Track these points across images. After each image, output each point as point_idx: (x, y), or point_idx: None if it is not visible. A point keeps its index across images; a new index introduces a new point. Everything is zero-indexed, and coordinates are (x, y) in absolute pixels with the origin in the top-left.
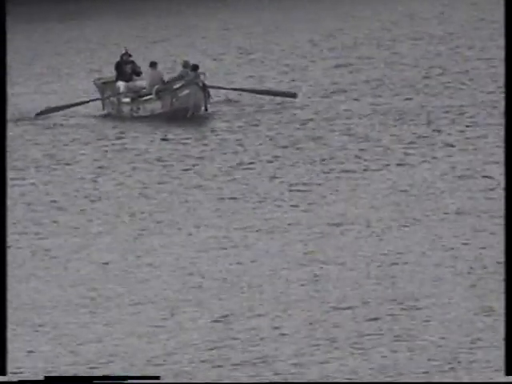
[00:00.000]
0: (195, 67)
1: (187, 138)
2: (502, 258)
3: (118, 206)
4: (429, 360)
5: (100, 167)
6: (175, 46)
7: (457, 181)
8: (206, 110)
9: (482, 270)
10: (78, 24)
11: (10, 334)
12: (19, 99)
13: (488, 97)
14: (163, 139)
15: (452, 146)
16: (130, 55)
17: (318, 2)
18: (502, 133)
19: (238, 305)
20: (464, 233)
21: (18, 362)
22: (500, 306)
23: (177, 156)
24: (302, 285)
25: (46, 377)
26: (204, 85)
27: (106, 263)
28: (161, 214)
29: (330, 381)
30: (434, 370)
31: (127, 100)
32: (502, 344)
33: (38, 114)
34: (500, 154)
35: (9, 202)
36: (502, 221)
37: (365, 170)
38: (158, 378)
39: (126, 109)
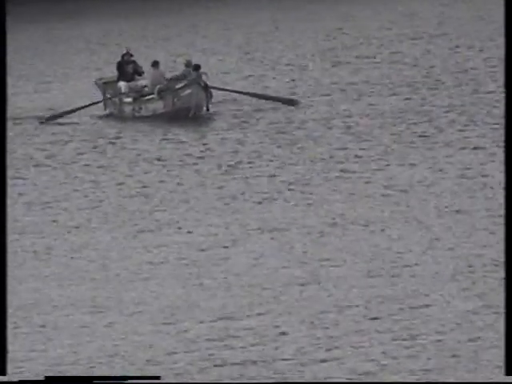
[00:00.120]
0: (197, 67)
1: (187, 138)
2: (501, 257)
3: (117, 205)
4: (429, 359)
5: (100, 167)
6: (176, 45)
7: (457, 180)
8: (208, 109)
9: (482, 269)
10: (77, 24)
11: (10, 334)
12: (19, 99)
13: (488, 97)
14: (163, 139)
15: (452, 145)
16: (131, 55)
17: (318, 1)
18: (501, 132)
19: (238, 304)
20: (464, 232)
21: (18, 361)
22: (500, 305)
23: (177, 155)
24: (302, 284)
25: (46, 377)
26: (206, 85)
27: (106, 263)
28: (161, 213)
29: (330, 381)
30: (434, 370)
31: (129, 100)
32: (501, 343)
33: (41, 123)
34: (500, 154)
35: (9, 202)
36: (501, 220)
37: (365, 170)
38: (158, 378)
39: (127, 109)
